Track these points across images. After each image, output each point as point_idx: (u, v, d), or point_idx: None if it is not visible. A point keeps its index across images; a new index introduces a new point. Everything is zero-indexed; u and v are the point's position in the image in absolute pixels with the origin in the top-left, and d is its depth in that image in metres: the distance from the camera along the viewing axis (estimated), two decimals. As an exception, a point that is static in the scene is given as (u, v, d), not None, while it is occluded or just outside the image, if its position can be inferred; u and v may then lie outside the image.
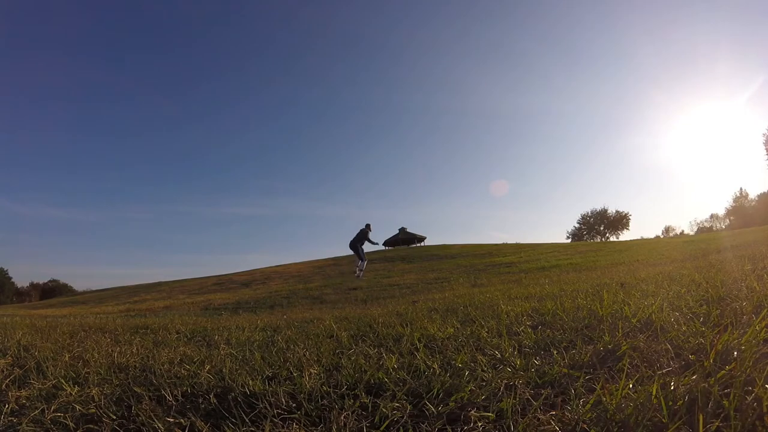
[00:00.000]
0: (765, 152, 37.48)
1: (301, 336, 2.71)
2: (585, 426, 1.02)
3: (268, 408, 1.31)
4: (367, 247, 13.73)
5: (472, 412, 1.17)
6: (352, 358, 1.80)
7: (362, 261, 13.42)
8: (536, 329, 2.06)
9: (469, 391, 1.29)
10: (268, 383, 1.54)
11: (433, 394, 1.31)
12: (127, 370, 1.91)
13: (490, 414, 1.15)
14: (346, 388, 1.44)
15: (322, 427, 1.20)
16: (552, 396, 1.22)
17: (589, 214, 66.12)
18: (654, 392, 1.04)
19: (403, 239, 41.28)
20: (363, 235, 13.28)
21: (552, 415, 1.10)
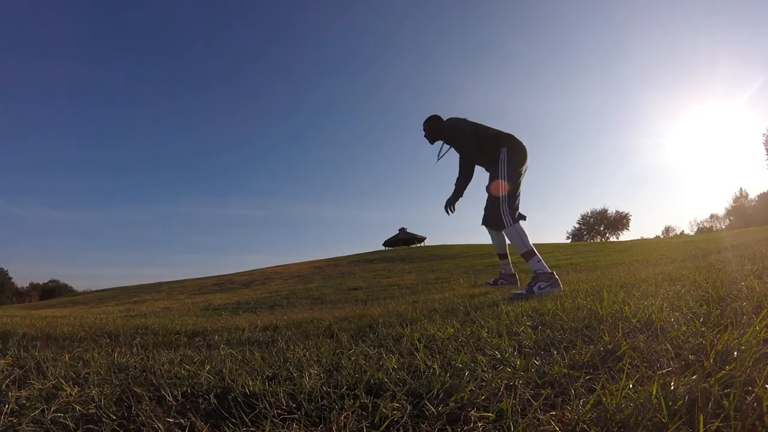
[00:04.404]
0: (765, 152, 37.49)
1: (301, 336, 2.71)
2: (585, 426, 1.02)
3: (268, 408, 1.31)
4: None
5: (472, 412, 1.17)
6: (352, 359, 1.80)
7: None
8: (536, 329, 2.06)
9: (469, 391, 1.29)
10: (268, 383, 1.54)
11: (433, 394, 1.31)
12: (127, 370, 1.91)
13: (490, 414, 1.15)
14: (346, 389, 1.44)
15: (322, 428, 1.20)
16: (552, 396, 1.22)
17: (589, 214, 66.13)
18: (654, 392, 1.04)
19: (404, 239, 41.29)
20: None
21: (552, 415, 1.10)
